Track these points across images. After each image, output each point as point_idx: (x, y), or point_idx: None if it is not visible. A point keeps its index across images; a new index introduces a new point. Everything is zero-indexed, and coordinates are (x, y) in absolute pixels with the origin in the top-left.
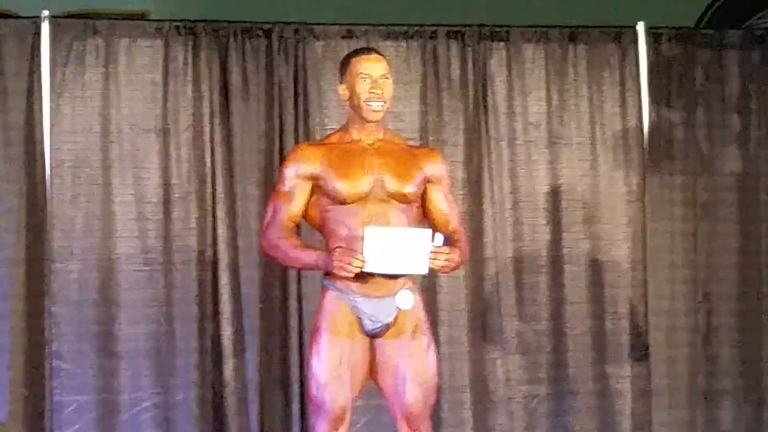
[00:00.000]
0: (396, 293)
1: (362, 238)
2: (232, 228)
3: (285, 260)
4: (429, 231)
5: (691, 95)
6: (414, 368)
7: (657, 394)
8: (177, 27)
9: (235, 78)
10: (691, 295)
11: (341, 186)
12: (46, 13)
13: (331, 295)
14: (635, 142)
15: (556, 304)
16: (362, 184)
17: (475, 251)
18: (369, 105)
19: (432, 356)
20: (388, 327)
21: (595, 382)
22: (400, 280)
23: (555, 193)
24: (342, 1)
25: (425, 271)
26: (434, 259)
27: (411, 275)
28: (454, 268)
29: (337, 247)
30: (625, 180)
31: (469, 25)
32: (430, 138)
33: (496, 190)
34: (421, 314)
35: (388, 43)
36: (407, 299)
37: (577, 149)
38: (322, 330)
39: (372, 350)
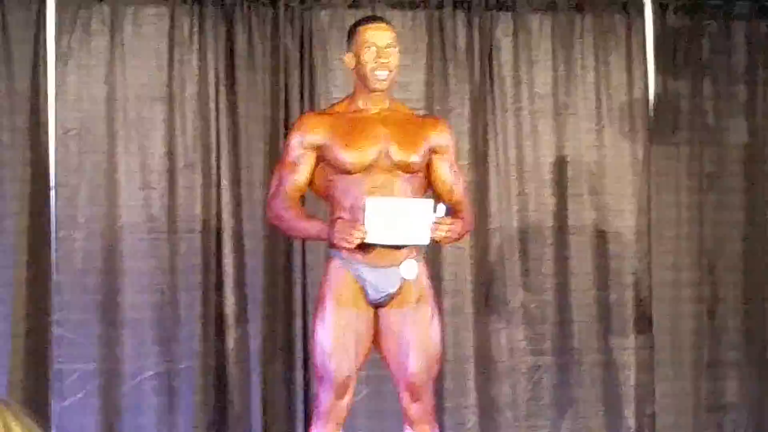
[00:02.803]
0: (400, 263)
1: (364, 208)
2: (237, 197)
3: (289, 231)
4: (430, 201)
5: (698, 66)
6: (418, 338)
7: (661, 366)
8: None
9: (240, 47)
10: (695, 266)
11: (346, 156)
12: None
13: (335, 265)
14: (641, 113)
15: (560, 275)
16: (367, 153)
17: (480, 221)
18: (375, 74)
19: (436, 326)
20: (392, 296)
21: (599, 353)
22: (405, 250)
23: (560, 164)
24: None
25: (426, 242)
26: (436, 230)
27: (412, 245)
28: (456, 239)
29: (338, 218)
30: (630, 151)
31: None
32: (436, 108)
33: (502, 160)
34: (426, 284)
35: (395, 12)
36: (412, 269)
37: (583, 119)
38: (327, 299)
39: (376, 320)
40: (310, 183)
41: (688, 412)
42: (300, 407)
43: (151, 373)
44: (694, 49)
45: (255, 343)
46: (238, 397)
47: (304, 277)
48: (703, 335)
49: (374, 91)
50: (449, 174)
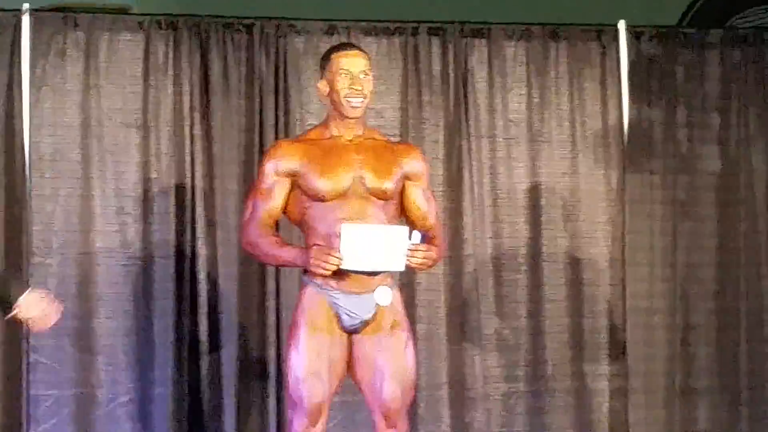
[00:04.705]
0: (375, 289)
1: (340, 234)
2: (211, 223)
3: (263, 258)
4: (406, 228)
5: (672, 94)
6: (392, 364)
7: (634, 393)
8: (158, 21)
9: (215, 73)
10: (669, 293)
11: (320, 183)
12: (26, 6)
13: (309, 291)
14: (615, 141)
15: (534, 301)
16: (341, 181)
17: (454, 248)
18: (348, 101)
19: (410, 352)
20: (366, 323)
21: (572, 380)
22: (379, 276)
23: (535, 191)
24: None
25: (402, 269)
26: (411, 256)
27: (388, 272)
28: (431, 266)
29: (314, 244)
30: (604, 178)
31: (450, 22)
32: (410, 134)
33: (476, 187)
34: (400, 310)
35: (369, 39)
36: (386, 295)
37: (558, 147)
38: (301, 325)
39: (350, 346)
40: (285, 210)
41: None
42: None
43: (125, 398)
44: (668, 77)
45: (229, 369)
46: (212, 423)
47: (278, 303)
48: (676, 362)
49: (348, 118)
50: (423, 201)
